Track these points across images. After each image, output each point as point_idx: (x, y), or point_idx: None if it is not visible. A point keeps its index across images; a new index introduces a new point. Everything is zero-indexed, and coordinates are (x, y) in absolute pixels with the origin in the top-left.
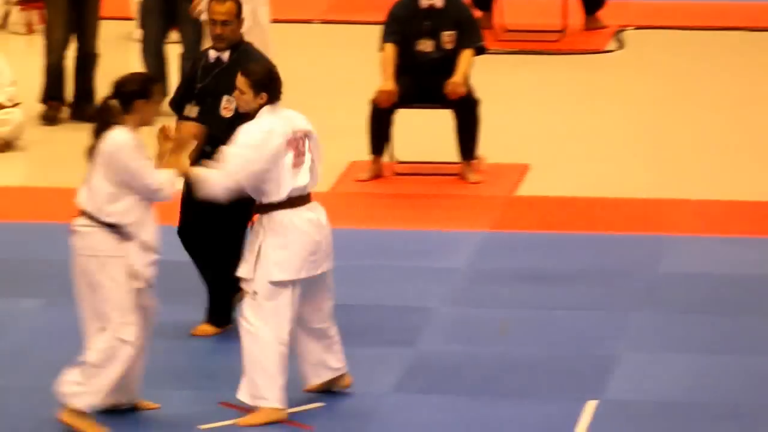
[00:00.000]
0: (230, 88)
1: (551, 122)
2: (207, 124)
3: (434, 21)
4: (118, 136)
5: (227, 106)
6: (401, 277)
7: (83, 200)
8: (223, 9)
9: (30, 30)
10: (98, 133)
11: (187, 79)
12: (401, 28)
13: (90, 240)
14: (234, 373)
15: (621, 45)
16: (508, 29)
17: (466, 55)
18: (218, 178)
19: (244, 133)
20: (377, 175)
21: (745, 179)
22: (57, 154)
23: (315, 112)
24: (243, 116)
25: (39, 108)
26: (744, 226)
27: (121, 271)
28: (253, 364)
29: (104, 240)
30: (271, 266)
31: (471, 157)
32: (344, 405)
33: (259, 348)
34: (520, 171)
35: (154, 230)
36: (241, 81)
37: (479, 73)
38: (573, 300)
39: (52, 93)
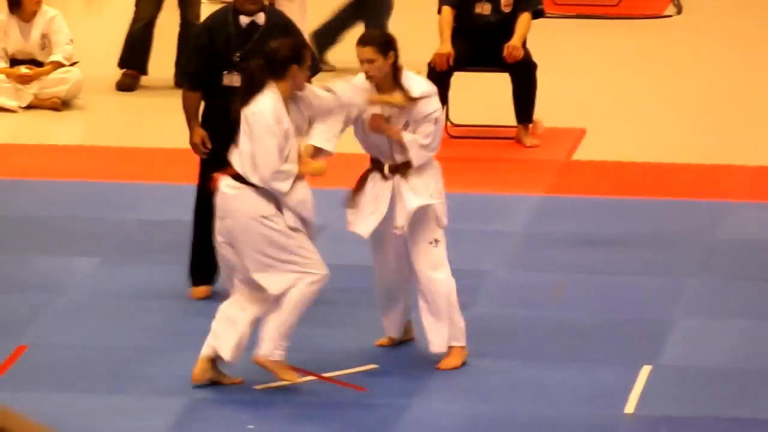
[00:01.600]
0: None
1: (609, 87)
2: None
3: None
4: (264, 101)
5: None
6: (457, 240)
7: (234, 162)
8: None
9: None
10: (246, 96)
11: (203, 49)
12: None
13: (242, 202)
14: (291, 339)
15: (679, 9)
16: None
17: (524, 18)
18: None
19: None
20: None
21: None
22: (114, 115)
23: None
24: None
25: (104, 70)
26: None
27: (281, 223)
28: (450, 308)
29: (257, 201)
30: (441, 214)
31: (528, 121)
32: (396, 367)
33: (451, 291)
34: (577, 135)
35: (305, 188)
36: (366, 51)
37: (537, 36)
38: (628, 265)
39: (129, 61)
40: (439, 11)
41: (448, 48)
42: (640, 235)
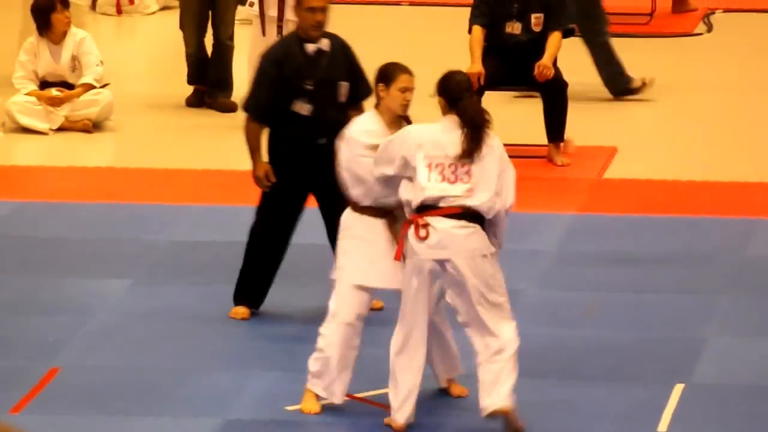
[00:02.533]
0: (342, 74)
1: (640, 105)
2: (327, 115)
3: (523, 3)
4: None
5: (343, 92)
6: None
7: (472, 197)
8: None
9: (119, 11)
10: (476, 137)
11: (272, 81)
12: (489, 10)
13: (479, 240)
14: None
15: (710, 28)
16: None
17: (555, 37)
18: None
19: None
20: None
21: None
22: (145, 136)
23: None
24: (350, 99)
25: (135, 91)
26: None
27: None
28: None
29: (484, 237)
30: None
31: (559, 140)
32: (427, 385)
33: None
34: (608, 154)
35: None
36: (412, 79)
37: (567, 55)
38: (661, 283)
39: (195, 79)
40: (470, 30)
41: (478, 67)
42: (671, 252)
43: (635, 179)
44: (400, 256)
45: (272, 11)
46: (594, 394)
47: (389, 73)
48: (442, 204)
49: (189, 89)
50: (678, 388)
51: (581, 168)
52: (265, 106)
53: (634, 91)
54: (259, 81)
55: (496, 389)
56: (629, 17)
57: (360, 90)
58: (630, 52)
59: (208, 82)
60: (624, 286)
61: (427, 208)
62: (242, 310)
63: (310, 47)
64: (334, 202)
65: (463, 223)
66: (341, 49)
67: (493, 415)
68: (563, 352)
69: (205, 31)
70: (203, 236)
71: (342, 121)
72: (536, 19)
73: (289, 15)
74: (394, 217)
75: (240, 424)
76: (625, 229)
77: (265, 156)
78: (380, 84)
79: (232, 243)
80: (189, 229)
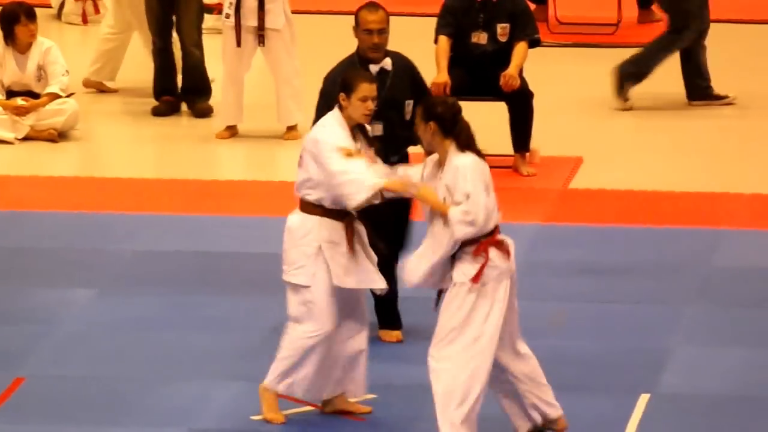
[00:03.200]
0: (406, 93)
1: (605, 115)
2: (397, 135)
3: (489, 13)
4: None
5: (408, 110)
6: None
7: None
8: (378, 17)
9: (84, 20)
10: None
11: (335, 102)
12: (456, 21)
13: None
14: None
15: None
16: (563, 22)
17: (521, 47)
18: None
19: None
20: None
21: None
22: (111, 146)
23: None
24: (412, 119)
25: (100, 101)
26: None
27: None
28: None
29: None
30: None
31: (525, 150)
32: (396, 397)
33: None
34: (574, 164)
35: None
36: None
37: (533, 65)
38: (626, 293)
39: (160, 91)
40: (436, 41)
41: (444, 77)
42: (637, 263)
43: (601, 189)
44: (479, 279)
45: (251, 21)
46: (560, 405)
47: (351, 82)
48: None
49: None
50: (643, 399)
51: (547, 178)
52: None
53: (714, 97)
54: (321, 104)
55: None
56: (595, 27)
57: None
58: (596, 63)
59: (182, 90)
60: (589, 297)
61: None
62: (395, 333)
63: (373, 68)
64: (405, 216)
65: None
66: (404, 68)
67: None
68: None
69: (169, 35)
70: (169, 246)
71: (410, 138)
72: (502, 29)
73: (270, 24)
74: (352, 218)
75: None
76: (591, 239)
77: None
78: (342, 93)
79: (197, 253)
80: (154, 238)
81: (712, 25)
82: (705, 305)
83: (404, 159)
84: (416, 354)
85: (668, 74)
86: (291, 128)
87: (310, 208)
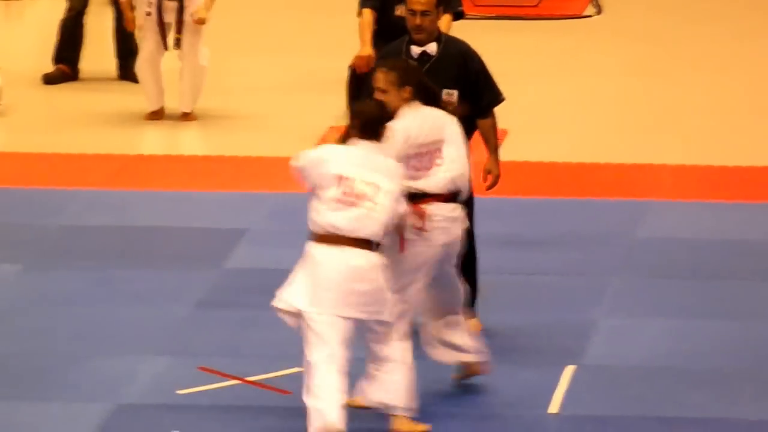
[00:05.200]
0: (448, 81)
1: (530, 88)
2: None
3: None
4: None
5: (449, 100)
6: None
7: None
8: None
9: None
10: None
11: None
12: None
13: None
14: (213, 342)
15: (599, 10)
16: None
17: (445, 19)
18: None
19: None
20: None
21: (723, 144)
22: (39, 119)
23: (295, 76)
24: (472, 110)
25: (25, 76)
26: (722, 191)
27: None
28: None
29: None
30: None
31: None
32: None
33: None
34: (500, 136)
35: None
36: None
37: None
38: (550, 265)
39: (62, 56)
40: (359, 14)
41: (368, 50)
42: (561, 235)
43: (525, 162)
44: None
45: (169, 18)
46: (485, 377)
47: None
48: None
49: (82, 73)
50: (569, 370)
51: (471, 150)
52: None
53: None
54: (369, 83)
55: None
56: (517, 0)
57: (483, 99)
58: (519, 35)
59: (121, 55)
60: (514, 269)
61: None
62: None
63: (415, 50)
64: None
65: None
66: (457, 56)
67: None
68: None
69: (85, 4)
70: (94, 221)
71: None
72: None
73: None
74: None
75: (131, 409)
76: (516, 211)
77: None
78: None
79: (123, 227)
80: (80, 213)
81: None
82: (629, 276)
83: None
84: None
85: (590, 46)
86: (186, 114)
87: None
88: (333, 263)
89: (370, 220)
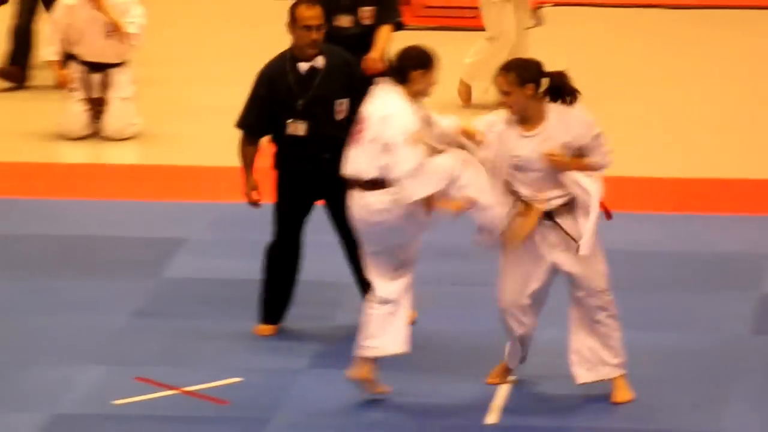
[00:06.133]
0: (337, 92)
1: (473, 97)
2: (323, 133)
3: None
4: None
5: (340, 109)
6: (317, 251)
7: None
8: (316, 13)
9: None
10: None
11: (263, 100)
12: (319, 3)
13: None
14: (150, 352)
15: (539, 22)
16: (427, 5)
17: (385, 30)
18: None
19: None
20: None
21: (649, 156)
22: None
23: (231, 87)
24: (352, 116)
25: None
26: (659, 203)
27: None
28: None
29: None
30: None
31: None
32: (259, 381)
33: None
34: None
35: None
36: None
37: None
38: (490, 275)
39: (14, 58)
40: None
41: None
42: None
43: None
44: None
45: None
46: (423, 388)
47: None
48: None
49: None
50: (507, 380)
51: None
52: (256, 125)
53: None
54: (250, 99)
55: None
56: (458, 10)
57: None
58: (458, 46)
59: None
60: (453, 279)
61: None
62: (268, 328)
63: (303, 66)
64: (342, 213)
65: None
66: (341, 66)
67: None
68: None
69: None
70: (31, 230)
71: (342, 138)
72: (366, 12)
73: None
74: None
75: (67, 419)
76: (455, 222)
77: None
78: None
79: (60, 237)
80: (17, 222)
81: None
82: (564, 287)
83: (337, 155)
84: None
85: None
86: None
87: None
88: None
89: None
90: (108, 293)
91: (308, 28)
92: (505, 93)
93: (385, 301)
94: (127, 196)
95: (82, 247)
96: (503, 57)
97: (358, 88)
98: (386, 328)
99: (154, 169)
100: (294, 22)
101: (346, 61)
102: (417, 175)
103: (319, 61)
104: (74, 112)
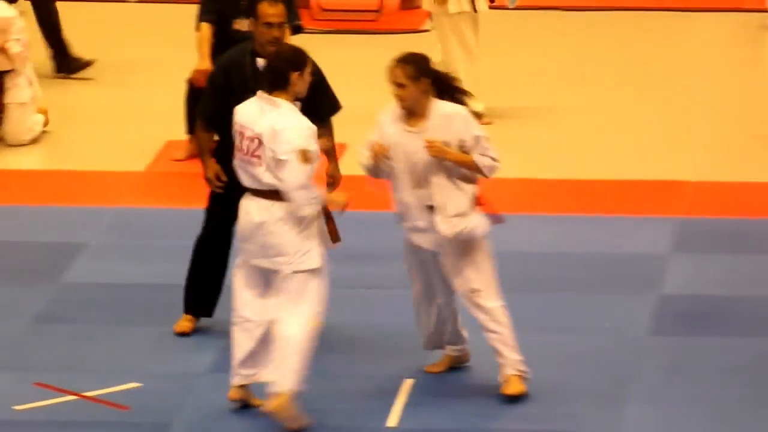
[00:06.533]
0: None
1: (368, 102)
2: None
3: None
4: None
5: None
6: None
7: None
8: (279, 11)
9: None
10: None
11: (219, 90)
12: (218, 7)
13: None
14: (50, 357)
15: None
16: (325, 8)
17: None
18: None
19: None
20: (194, 155)
21: (550, 158)
22: None
23: (132, 91)
24: (308, 117)
25: None
26: (544, 204)
27: None
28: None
29: None
30: None
31: None
32: (159, 386)
33: None
34: (338, 150)
35: None
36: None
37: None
38: (391, 278)
39: None
40: (197, 28)
41: (206, 64)
42: (397, 248)
43: (361, 175)
44: None
45: None
46: (324, 389)
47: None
48: None
49: None
50: (408, 383)
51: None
52: (213, 113)
53: None
54: (208, 88)
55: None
56: (357, 14)
57: (322, 107)
58: (358, 49)
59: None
60: (353, 282)
61: None
62: (187, 324)
63: (261, 61)
64: None
65: None
66: None
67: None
68: None
69: None
70: None
71: None
72: None
73: None
74: None
75: None
76: (353, 225)
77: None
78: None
79: None
80: None
81: None
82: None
83: None
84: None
85: None
86: None
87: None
88: None
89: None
90: (7, 299)
91: (269, 25)
92: (400, 85)
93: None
94: (25, 201)
95: None
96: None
97: (313, 89)
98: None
99: (53, 174)
100: (256, 18)
101: None
102: (307, 188)
103: None
104: None
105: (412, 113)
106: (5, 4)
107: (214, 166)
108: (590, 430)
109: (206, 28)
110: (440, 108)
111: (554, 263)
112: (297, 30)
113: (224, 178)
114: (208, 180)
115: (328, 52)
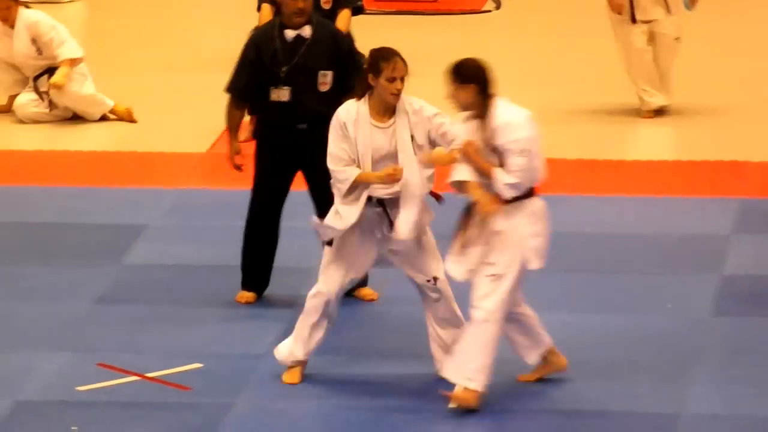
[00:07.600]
0: (323, 63)
1: (429, 84)
2: (304, 103)
3: None
4: None
5: (324, 81)
6: (290, 235)
7: None
8: None
9: None
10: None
11: (252, 64)
12: None
13: None
14: (112, 338)
15: (498, 5)
16: None
17: (344, 15)
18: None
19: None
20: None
21: (618, 141)
22: None
23: (195, 75)
24: (338, 89)
25: None
26: (620, 186)
27: None
28: (474, 347)
29: None
30: (530, 253)
31: None
32: (221, 366)
33: (490, 334)
34: None
35: None
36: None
37: (357, 33)
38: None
39: None
40: (259, 8)
41: None
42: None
43: None
44: None
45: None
46: (380, 371)
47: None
48: None
49: None
50: None
51: None
52: (244, 89)
53: None
54: (239, 64)
55: None
56: None
57: (348, 81)
58: (418, 31)
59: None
60: None
61: None
62: (248, 294)
63: (289, 33)
64: (323, 185)
65: None
66: (329, 38)
67: None
68: None
69: None
70: None
71: (322, 110)
72: None
73: None
74: None
75: (30, 405)
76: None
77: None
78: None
79: (21, 224)
80: None
81: None
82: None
83: (313, 128)
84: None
85: (489, 41)
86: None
87: None
88: None
89: None
90: (70, 280)
91: None
92: (402, 80)
93: None
94: (87, 183)
95: (44, 234)
96: None
97: (344, 62)
98: None
99: (116, 156)
100: None
101: (332, 34)
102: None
103: (306, 31)
104: (24, 100)
105: (386, 110)
106: None
107: (236, 146)
108: (652, 410)
109: (267, 9)
110: (408, 105)
111: (617, 244)
112: (358, 11)
113: (242, 162)
114: (228, 158)
115: (388, 34)
